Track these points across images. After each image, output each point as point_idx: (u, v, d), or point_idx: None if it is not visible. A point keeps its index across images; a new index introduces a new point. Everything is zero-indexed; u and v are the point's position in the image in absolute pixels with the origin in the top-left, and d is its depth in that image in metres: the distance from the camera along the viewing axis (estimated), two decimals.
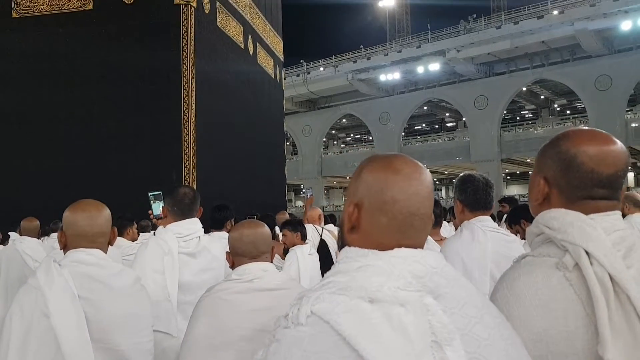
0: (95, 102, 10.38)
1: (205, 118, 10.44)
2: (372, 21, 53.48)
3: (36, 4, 10.78)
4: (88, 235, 1.69)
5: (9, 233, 6.01)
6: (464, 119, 37.18)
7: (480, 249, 2.41)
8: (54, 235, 6.42)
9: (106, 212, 1.77)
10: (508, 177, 46.74)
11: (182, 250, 2.33)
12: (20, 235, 3.66)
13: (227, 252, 1.87)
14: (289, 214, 9.34)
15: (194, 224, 2.47)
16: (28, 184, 10.27)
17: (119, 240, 3.88)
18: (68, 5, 10.66)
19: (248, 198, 11.95)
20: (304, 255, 3.83)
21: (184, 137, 9.99)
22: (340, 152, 43.76)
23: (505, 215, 6.09)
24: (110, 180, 10.06)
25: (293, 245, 3.99)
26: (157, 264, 2.25)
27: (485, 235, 2.44)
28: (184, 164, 9.96)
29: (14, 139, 10.56)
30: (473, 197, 2.54)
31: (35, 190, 10.16)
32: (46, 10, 10.71)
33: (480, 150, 33.65)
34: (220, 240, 2.81)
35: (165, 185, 9.72)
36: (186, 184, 9.87)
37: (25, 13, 10.80)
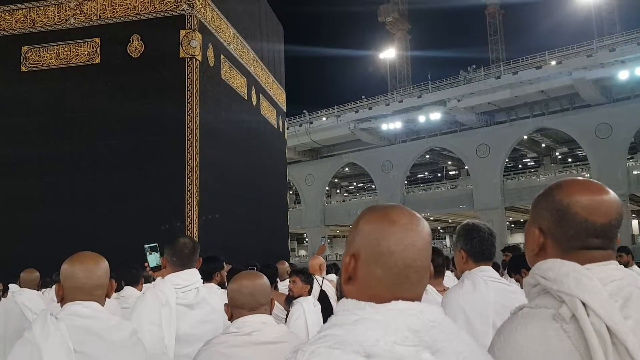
0: (100, 153, 10.50)
1: (209, 168, 10.54)
2: (374, 72, 54.59)
3: (45, 58, 11.06)
4: (85, 288, 1.69)
5: (9, 285, 5.97)
6: (466, 167, 37.35)
7: (482, 300, 2.37)
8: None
9: (104, 265, 1.77)
10: (512, 225, 46.48)
11: (180, 301, 2.30)
12: (20, 287, 3.63)
13: (225, 304, 1.85)
14: (290, 263, 9.28)
15: (192, 275, 2.44)
16: (30, 235, 10.26)
17: (131, 290, 3.83)
18: (76, 59, 10.93)
19: (251, 247, 11.90)
20: (310, 308, 3.74)
21: (188, 187, 10.05)
22: (343, 201, 43.77)
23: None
24: (114, 230, 10.06)
25: (299, 295, 3.89)
26: (154, 315, 2.22)
27: (487, 286, 2.41)
28: (187, 213, 9.98)
29: (18, 190, 10.62)
30: (479, 247, 2.51)
31: (38, 241, 10.14)
32: (54, 64, 10.98)
33: (483, 198, 33.63)
34: (217, 291, 2.79)
35: (168, 234, 9.74)
36: (189, 233, 9.86)
37: (33, 67, 11.07)
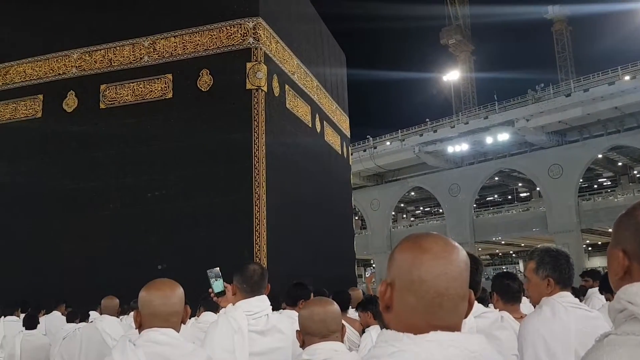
0: (172, 183, 10.93)
1: (275, 195, 10.72)
2: (437, 94, 54.08)
3: (121, 95, 11.71)
4: (162, 315, 1.75)
5: (90, 312, 6.25)
6: (538, 188, 36.04)
7: (562, 327, 2.27)
8: (133, 314, 6.59)
9: (179, 291, 1.83)
10: (589, 248, 44.21)
11: (251, 328, 2.34)
12: (101, 314, 3.80)
13: (297, 331, 1.87)
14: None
15: (263, 302, 2.48)
16: (108, 263, 10.75)
17: (209, 315, 3.91)
18: (150, 95, 11.50)
19: (318, 273, 11.92)
20: None
21: (255, 215, 10.24)
22: (410, 226, 43.17)
23: (588, 290, 5.75)
24: (185, 257, 10.38)
25: (367, 325, 3.82)
26: (227, 342, 2.26)
27: (567, 312, 2.31)
28: (255, 241, 10.16)
29: (98, 220, 11.19)
30: (567, 273, 2.43)
31: (114, 269, 10.60)
32: (130, 101, 11.59)
33: (557, 220, 32.24)
34: (289, 318, 2.81)
35: (237, 262, 9.91)
36: (257, 260, 10.02)
37: (111, 104, 11.73)
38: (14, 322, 5.80)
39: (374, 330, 3.52)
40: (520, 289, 2.95)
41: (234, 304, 2.46)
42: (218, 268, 2.68)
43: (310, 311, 1.87)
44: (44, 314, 7.38)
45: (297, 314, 3.31)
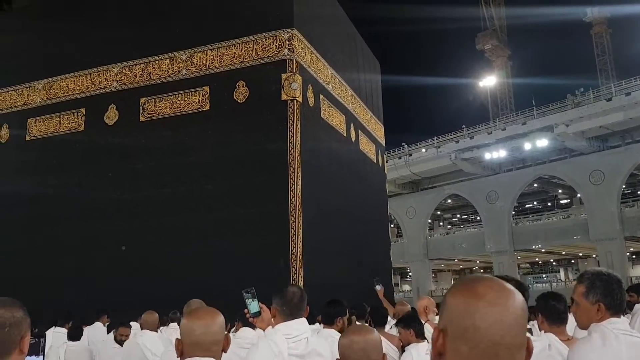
0: (210, 194, 11.10)
1: (311, 205, 10.75)
2: (473, 100, 53.33)
3: (160, 107, 11.96)
4: (204, 344, 1.76)
5: (131, 323, 6.37)
6: (579, 195, 35.14)
7: (613, 355, 2.18)
8: (173, 325, 6.70)
9: (220, 320, 1.84)
10: (633, 256, 42.76)
11: (291, 351, 2.34)
12: (142, 329, 3.88)
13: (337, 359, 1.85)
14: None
15: (302, 325, 2.48)
16: (148, 272, 10.95)
17: (248, 331, 3.92)
18: (188, 107, 11.72)
19: (354, 283, 11.88)
20: (420, 356, 3.52)
21: (291, 225, 10.29)
22: (447, 234, 42.61)
23: (635, 306, 5.55)
24: (223, 267, 10.50)
25: (408, 343, 3.67)
26: None
27: (618, 340, 2.20)
28: (292, 250, 10.20)
29: (139, 232, 11.42)
30: (619, 298, 2.31)
31: (155, 278, 10.79)
32: (169, 113, 11.83)
33: (599, 228, 31.32)
34: (327, 339, 2.80)
35: (273, 272, 9.99)
36: (293, 271, 10.06)
37: (150, 117, 12.00)
38: (62, 333, 5.96)
39: (415, 349, 3.45)
40: (566, 309, 2.84)
41: (273, 327, 2.46)
42: (254, 288, 2.68)
43: (350, 340, 1.85)
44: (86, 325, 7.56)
45: (335, 332, 3.29)
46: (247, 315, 2.68)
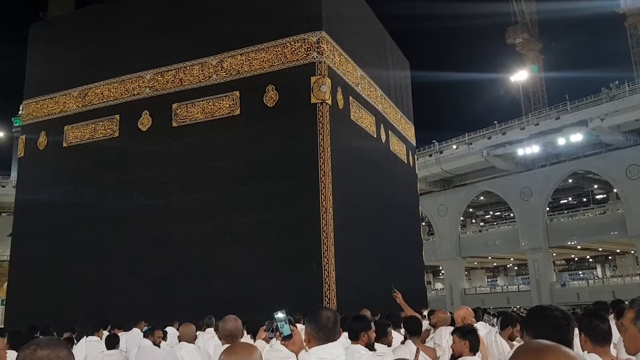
0: (242, 198, 11.20)
1: (342, 207, 10.75)
2: (505, 95, 52.38)
3: (192, 113, 12.12)
4: None
5: (166, 329, 6.48)
6: (615, 190, 34.25)
7: None
8: (209, 330, 6.77)
9: (257, 356, 1.83)
10: None
11: None
12: (180, 341, 3.94)
13: None
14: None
15: (336, 348, 2.47)
16: (184, 277, 11.11)
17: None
18: (219, 112, 11.84)
19: (386, 285, 11.84)
20: None
21: (323, 228, 10.30)
22: (480, 231, 42.05)
23: None
24: (255, 271, 10.59)
25: (460, 354, 3.57)
26: None
27: None
28: (324, 254, 10.21)
29: (174, 236, 11.59)
30: None
31: (190, 282, 10.94)
32: (200, 118, 11.98)
33: (638, 223, 30.47)
34: (354, 355, 2.81)
35: (306, 276, 10.02)
36: (325, 273, 10.06)
37: (182, 122, 12.17)
38: (95, 342, 6.07)
39: None
40: (610, 330, 2.73)
41: (306, 350, 2.45)
42: (284, 311, 2.67)
43: None
44: (123, 331, 7.70)
45: (361, 347, 3.28)
46: (279, 339, 2.67)
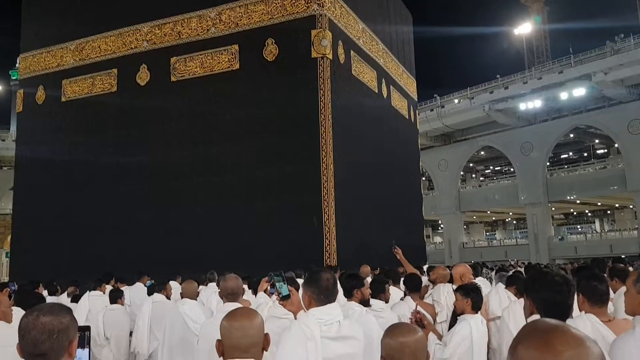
0: (242, 154, 11.17)
1: (343, 164, 10.73)
2: (508, 49, 51.59)
3: (190, 67, 11.95)
4: (242, 347, 1.80)
5: (170, 282, 6.56)
6: (616, 145, 34.14)
7: None
8: (211, 285, 6.86)
9: (258, 321, 1.85)
10: None
11: (323, 334, 2.39)
12: (182, 298, 4.00)
13: (383, 357, 1.83)
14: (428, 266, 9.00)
15: (334, 309, 2.51)
16: (185, 231, 11.21)
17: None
18: (218, 66, 11.67)
19: (386, 239, 11.97)
20: (478, 329, 3.45)
21: (323, 184, 10.32)
22: (479, 186, 42.12)
23: None
24: (255, 225, 10.67)
25: (462, 312, 3.57)
26: (300, 350, 2.32)
27: None
28: (324, 209, 10.27)
29: (174, 191, 11.63)
30: None
31: (191, 237, 11.05)
32: (199, 73, 11.82)
33: (637, 178, 30.51)
34: (349, 311, 2.88)
35: (306, 231, 10.08)
36: (326, 229, 10.14)
37: (181, 76, 12.01)
38: (98, 296, 6.15)
39: (473, 321, 3.38)
40: (608, 290, 2.77)
41: (305, 311, 2.48)
42: (282, 272, 2.71)
43: (400, 343, 1.79)
44: (126, 286, 7.81)
45: (355, 304, 3.35)
46: (277, 298, 2.71)
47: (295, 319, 2.54)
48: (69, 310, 1.57)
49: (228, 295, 3.34)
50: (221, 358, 1.82)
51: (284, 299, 2.60)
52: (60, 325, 1.49)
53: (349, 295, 3.47)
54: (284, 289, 2.61)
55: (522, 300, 3.09)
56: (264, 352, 1.85)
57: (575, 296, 2.68)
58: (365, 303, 3.46)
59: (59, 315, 1.51)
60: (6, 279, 17.84)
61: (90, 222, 12.10)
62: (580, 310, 2.71)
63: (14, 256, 13.91)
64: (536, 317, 2.08)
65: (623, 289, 3.41)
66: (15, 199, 14.30)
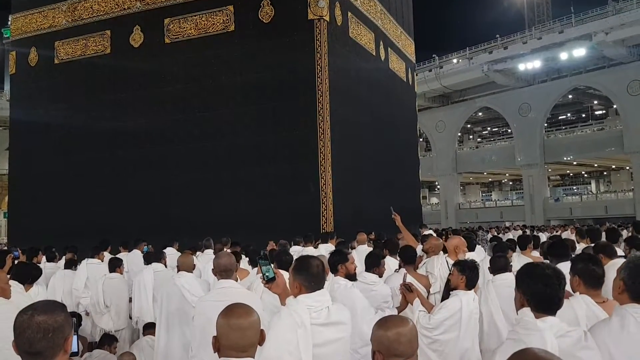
0: (237, 118, 11.08)
1: (340, 128, 10.67)
2: (508, 8, 50.61)
3: (185, 28, 11.71)
4: (239, 347, 1.81)
5: (166, 249, 6.60)
6: (615, 106, 33.96)
7: (630, 341, 2.14)
8: (207, 251, 6.91)
9: (254, 321, 1.85)
10: None
11: (313, 321, 2.42)
12: (178, 271, 4.03)
13: (377, 352, 1.84)
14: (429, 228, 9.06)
15: (323, 296, 2.53)
16: (180, 197, 11.22)
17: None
18: (212, 28, 11.45)
19: (383, 203, 12.02)
20: (469, 306, 3.45)
21: (320, 149, 10.28)
22: (477, 147, 42.08)
23: None
24: (252, 192, 10.69)
25: (456, 287, 3.56)
26: (290, 336, 2.35)
27: (638, 325, 2.16)
28: (321, 175, 10.27)
29: (169, 155, 11.58)
30: None
31: (186, 202, 11.06)
32: (194, 35, 11.60)
33: (635, 140, 30.49)
34: (334, 285, 2.93)
35: (303, 197, 10.09)
36: (323, 195, 10.16)
37: (175, 38, 11.79)
38: (96, 265, 6.19)
39: (465, 297, 3.42)
40: (604, 274, 2.79)
41: (295, 296, 2.50)
42: (267, 253, 2.73)
43: (396, 333, 1.79)
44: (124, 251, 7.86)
45: (340, 279, 3.40)
46: (262, 281, 2.71)
47: (283, 303, 2.56)
48: (63, 308, 1.58)
49: (221, 272, 3.36)
50: (216, 353, 1.84)
51: (269, 281, 2.61)
52: (55, 324, 1.50)
53: (334, 270, 3.51)
54: (270, 271, 2.62)
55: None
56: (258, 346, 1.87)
57: (569, 276, 2.73)
58: (351, 277, 3.50)
59: (54, 313, 1.52)
60: (4, 239, 17.96)
61: (86, 186, 12.09)
62: (574, 291, 2.74)
63: (12, 218, 13.95)
64: (526, 309, 2.10)
65: (611, 264, 3.46)
66: (10, 161, 14.22)
